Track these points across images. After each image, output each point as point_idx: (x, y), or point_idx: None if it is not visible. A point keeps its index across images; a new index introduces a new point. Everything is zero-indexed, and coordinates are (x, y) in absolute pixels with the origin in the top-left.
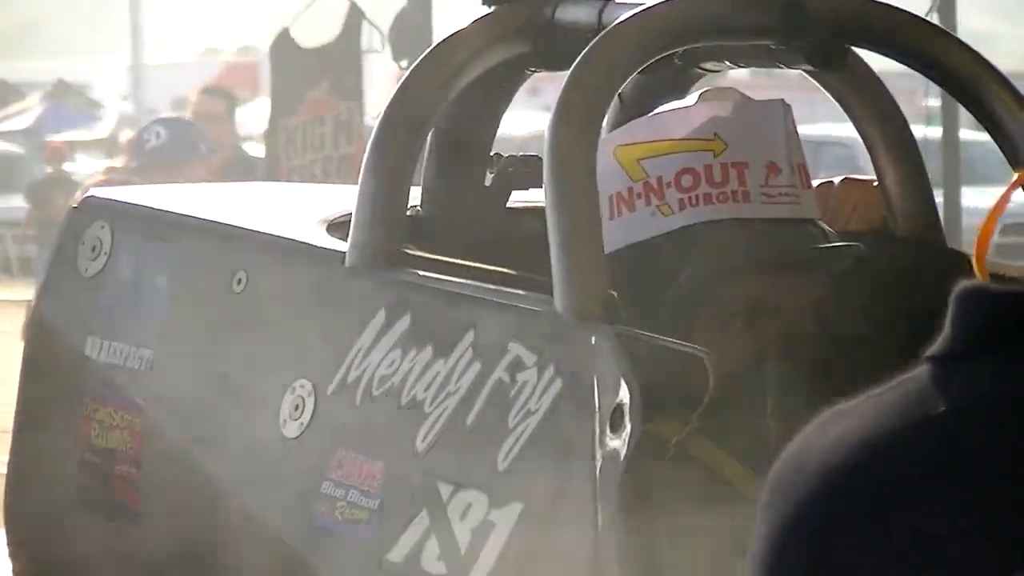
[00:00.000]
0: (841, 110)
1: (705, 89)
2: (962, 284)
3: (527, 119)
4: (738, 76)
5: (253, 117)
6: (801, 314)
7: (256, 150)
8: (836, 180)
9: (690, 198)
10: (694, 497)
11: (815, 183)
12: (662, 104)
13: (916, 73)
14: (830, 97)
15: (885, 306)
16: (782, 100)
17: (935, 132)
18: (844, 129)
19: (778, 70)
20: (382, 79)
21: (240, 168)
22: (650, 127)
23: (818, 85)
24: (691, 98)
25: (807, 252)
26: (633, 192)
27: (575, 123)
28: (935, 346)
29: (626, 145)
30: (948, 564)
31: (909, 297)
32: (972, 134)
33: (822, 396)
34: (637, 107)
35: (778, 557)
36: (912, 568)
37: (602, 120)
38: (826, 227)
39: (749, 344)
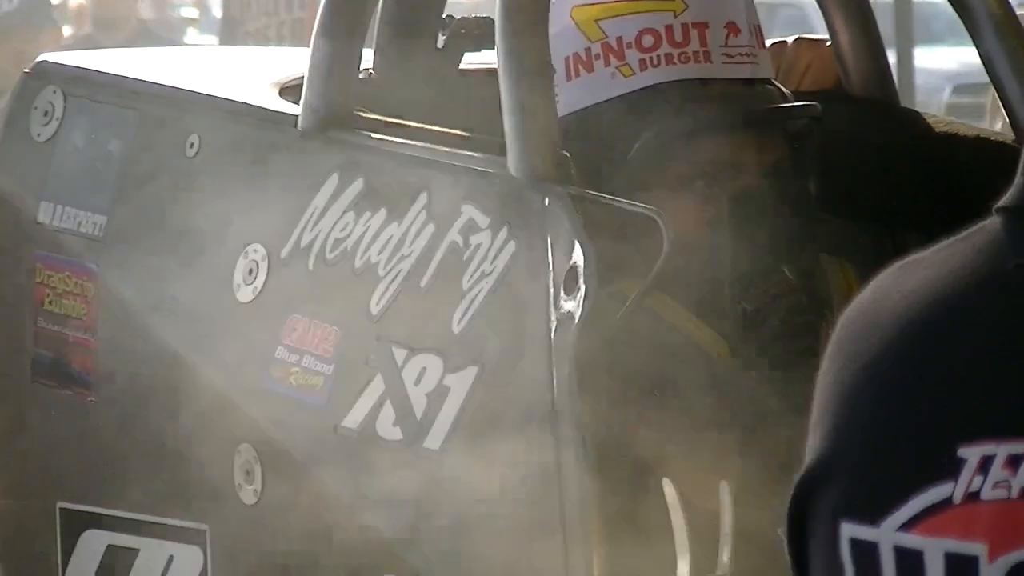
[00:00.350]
0: None
1: None
2: None
3: None
4: None
5: None
6: (760, 173)
7: (193, 13)
8: (789, 41)
9: (652, 58)
10: (657, 356)
11: (768, 43)
12: None
13: None
14: None
15: (839, 165)
16: None
17: None
18: None
19: None
20: None
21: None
22: None
23: None
24: None
25: (766, 112)
26: (591, 53)
27: None
28: (1005, 197)
29: (583, 6)
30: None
31: (863, 155)
32: None
33: (778, 255)
34: None
35: (848, 410)
36: (985, 426)
37: None
38: (782, 87)
39: (710, 203)
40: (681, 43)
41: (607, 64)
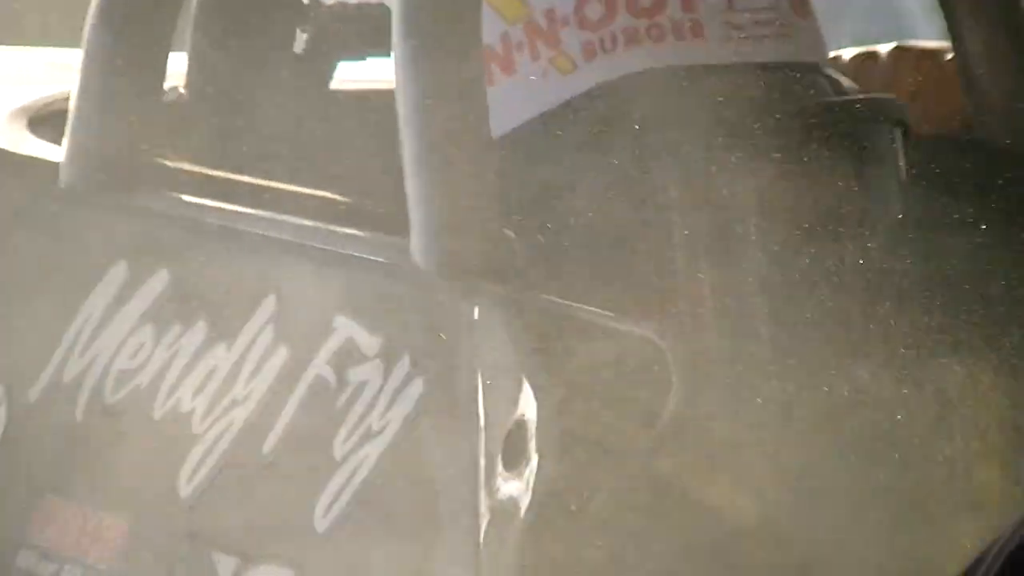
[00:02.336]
0: None
1: None
2: None
3: None
4: None
5: None
6: (814, 228)
7: None
8: (883, 48)
9: (602, 40)
10: (670, 556)
11: (847, 53)
12: None
13: None
14: None
15: (957, 246)
16: None
17: None
18: None
19: None
20: None
21: None
22: None
23: None
24: None
25: (811, 109)
26: (510, 42)
27: None
28: None
29: None
30: None
31: (997, 241)
32: None
33: (842, 349)
34: None
35: None
36: None
37: None
38: (839, 76)
39: (721, 280)
40: (651, 9)
41: (535, 57)
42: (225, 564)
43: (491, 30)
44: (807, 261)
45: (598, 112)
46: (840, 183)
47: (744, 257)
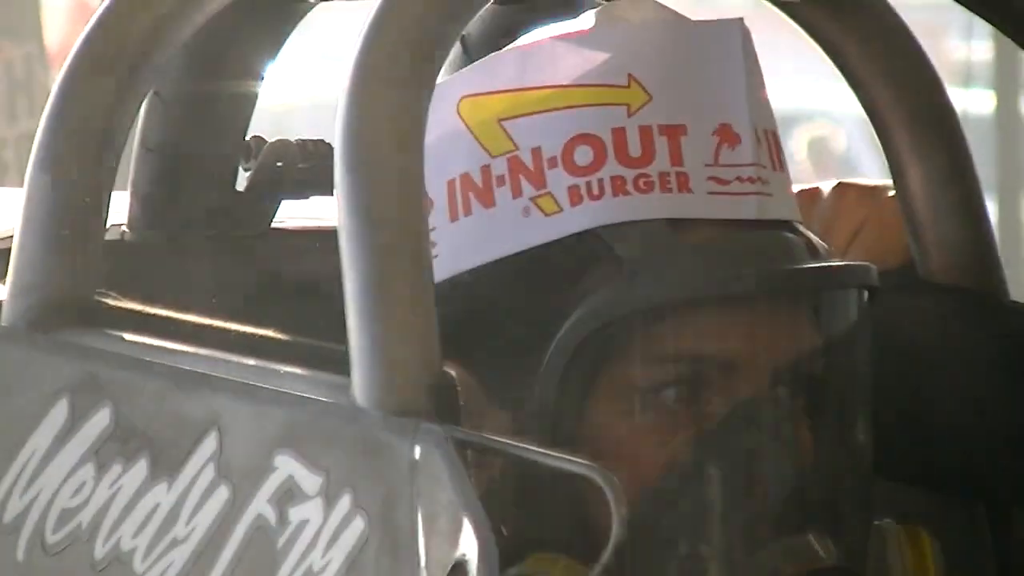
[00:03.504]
0: (830, 63)
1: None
2: None
3: (299, 73)
4: None
5: None
6: (771, 376)
7: None
8: (825, 185)
9: (589, 185)
10: None
11: (792, 190)
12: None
13: (948, 3)
14: (809, 42)
15: (908, 387)
16: (740, 20)
17: (981, 101)
18: (829, 94)
19: None
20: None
21: None
22: (519, 65)
23: (790, 21)
24: (586, 17)
25: (785, 274)
26: (491, 174)
27: (389, 79)
28: None
29: (478, 95)
30: None
31: (948, 384)
32: None
33: (802, 515)
34: (491, 50)
35: None
36: None
37: (436, 75)
38: (812, 236)
39: (685, 428)
40: (639, 159)
41: (516, 193)
42: None
43: (470, 158)
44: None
45: (580, 259)
46: (812, 347)
47: (702, 415)
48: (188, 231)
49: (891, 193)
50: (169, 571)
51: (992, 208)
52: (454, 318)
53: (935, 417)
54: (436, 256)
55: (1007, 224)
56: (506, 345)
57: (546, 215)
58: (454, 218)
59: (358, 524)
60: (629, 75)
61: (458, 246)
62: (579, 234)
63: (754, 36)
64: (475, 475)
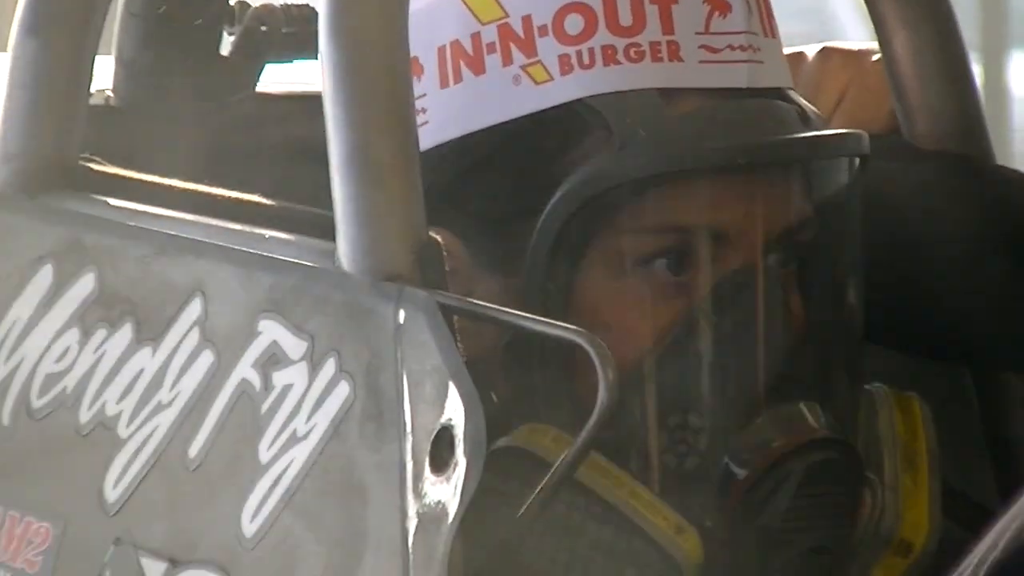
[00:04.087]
0: None
1: None
2: None
3: None
4: None
5: None
6: (765, 246)
7: None
8: (810, 51)
9: (580, 54)
10: (587, 562)
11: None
12: None
13: None
14: None
15: (894, 252)
16: None
17: None
18: None
19: None
20: None
21: None
22: None
23: None
24: None
25: (778, 144)
26: (481, 41)
27: None
28: None
29: None
30: None
31: (933, 244)
32: None
33: (794, 384)
34: None
35: None
36: None
37: None
38: (804, 103)
39: (677, 297)
40: (630, 28)
41: (507, 62)
42: (153, 569)
43: (460, 26)
44: (760, 291)
45: (570, 128)
46: (802, 217)
47: (694, 286)
48: (172, 96)
49: (876, 57)
50: (154, 435)
51: (977, 72)
52: (444, 185)
53: (921, 282)
54: (425, 123)
55: (992, 89)
56: (496, 213)
57: (536, 84)
58: (444, 85)
59: (343, 389)
60: None
61: (448, 113)
62: (569, 103)
63: None
64: (465, 344)
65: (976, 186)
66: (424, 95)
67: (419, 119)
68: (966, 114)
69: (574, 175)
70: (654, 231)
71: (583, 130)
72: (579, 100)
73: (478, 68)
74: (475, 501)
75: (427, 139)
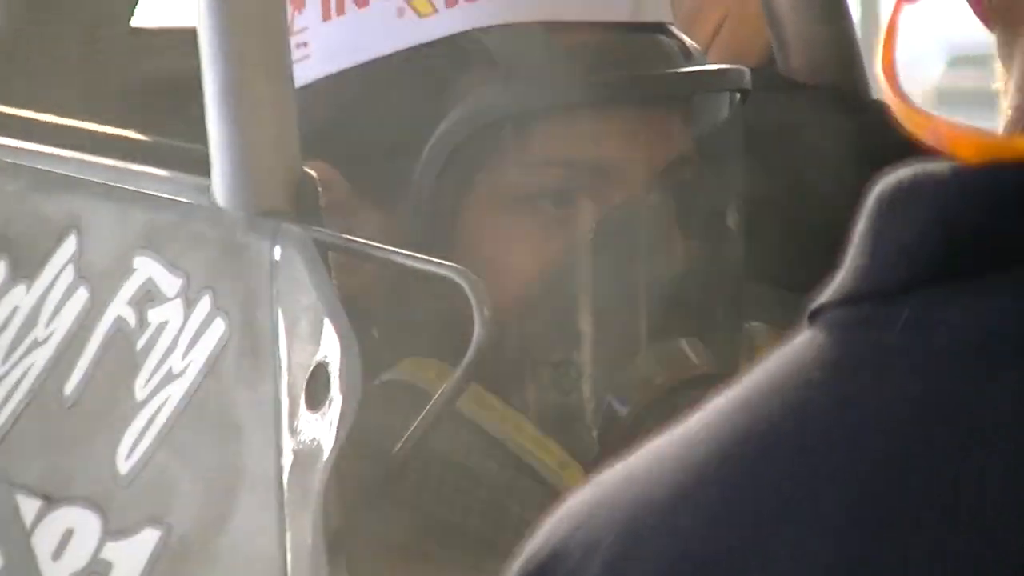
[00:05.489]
0: None
1: None
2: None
3: None
4: None
5: None
6: (646, 180)
7: None
8: None
9: None
10: (469, 495)
11: None
12: None
13: None
14: None
15: (775, 184)
16: None
17: None
18: None
19: None
20: None
21: None
22: None
23: None
24: None
25: (657, 78)
26: None
27: None
28: (837, 286)
29: None
30: None
31: (808, 177)
32: None
33: (674, 320)
34: None
35: None
36: None
37: None
38: (685, 39)
39: (560, 233)
40: None
41: None
42: (28, 506)
43: None
44: (644, 226)
45: (454, 62)
46: (684, 152)
47: (576, 221)
48: (45, 30)
49: None
50: (29, 373)
51: (854, 5)
52: (327, 119)
53: (798, 216)
54: (307, 57)
55: (869, 21)
56: (380, 147)
57: (421, 16)
58: (327, 18)
59: (218, 325)
60: None
61: (330, 46)
62: (453, 36)
63: None
64: (347, 278)
65: (850, 119)
66: (305, 28)
67: (300, 53)
68: (842, 47)
69: (458, 108)
70: (536, 165)
71: (467, 63)
72: (463, 33)
73: (361, 1)
74: (354, 436)
75: (309, 73)
